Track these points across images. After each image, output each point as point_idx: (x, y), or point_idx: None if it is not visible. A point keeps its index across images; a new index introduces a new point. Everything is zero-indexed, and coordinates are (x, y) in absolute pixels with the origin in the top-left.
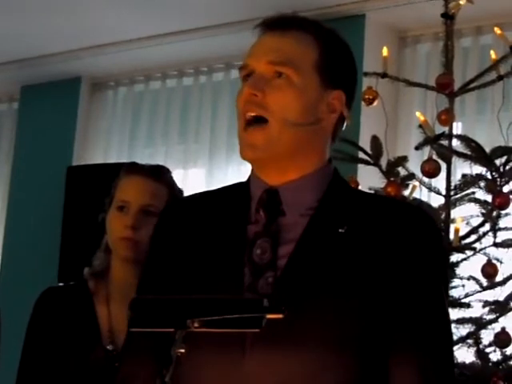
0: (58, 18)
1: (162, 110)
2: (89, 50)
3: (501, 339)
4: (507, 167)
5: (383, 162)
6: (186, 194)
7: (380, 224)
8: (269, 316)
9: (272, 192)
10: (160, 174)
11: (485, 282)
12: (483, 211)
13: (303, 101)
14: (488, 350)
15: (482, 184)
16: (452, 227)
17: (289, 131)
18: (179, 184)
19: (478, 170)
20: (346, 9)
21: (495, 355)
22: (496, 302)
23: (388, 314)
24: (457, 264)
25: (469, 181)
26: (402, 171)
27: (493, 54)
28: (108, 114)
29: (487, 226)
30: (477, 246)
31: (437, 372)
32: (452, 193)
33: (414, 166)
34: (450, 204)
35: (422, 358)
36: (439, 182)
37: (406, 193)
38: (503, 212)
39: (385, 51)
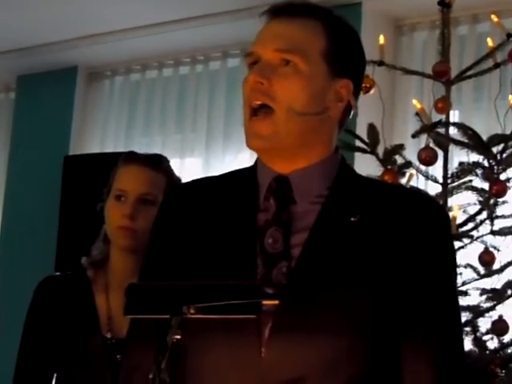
0: (54, 7)
1: (158, 99)
2: (85, 40)
3: (498, 327)
4: (504, 155)
5: (380, 150)
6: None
7: (391, 213)
8: (264, 302)
9: (282, 180)
10: (158, 163)
11: (482, 270)
12: (480, 199)
13: (310, 89)
14: (485, 337)
15: (479, 172)
16: (449, 215)
17: (295, 120)
18: (176, 173)
19: (475, 157)
20: None
21: (492, 343)
22: (493, 290)
23: (401, 304)
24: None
25: (466, 169)
26: (399, 159)
27: (489, 42)
28: (105, 104)
29: (484, 214)
30: (474, 233)
31: (450, 362)
32: (449, 181)
33: (410, 154)
34: (447, 192)
35: (435, 349)
36: (436, 169)
37: (403, 181)
38: (500, 200)
39: (381, 39)
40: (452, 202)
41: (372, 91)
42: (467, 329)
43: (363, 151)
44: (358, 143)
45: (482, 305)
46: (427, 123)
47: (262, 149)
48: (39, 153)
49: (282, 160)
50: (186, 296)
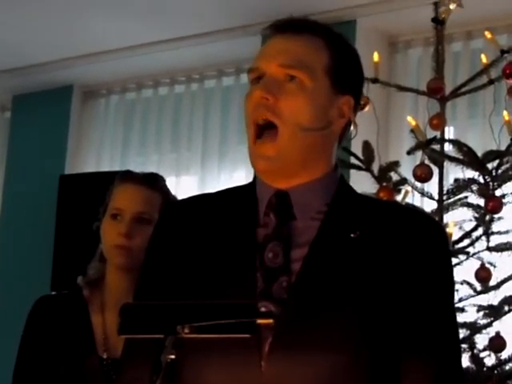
0: (50, 26)
1: (153, 117)
2: (80, 59)
3: (495, 343)
4: (499, 171)
5: (375, 167)
6: None
7: (390, 230)
8: (259, 321)
9: (282, 195)
10: (154, 182)
11: (479, 287)
12: (476, 215)
13: (315, 105)
14: (483, 354)
15: (475, 188)
16: (446, 232)
17: (300, 136)
18: (172, 192)
19: (470, 174)
20: (337, 15)
21: (490, 360)
22: (490, 307)
23: (400, 321)
24: None
25: (461, 185)
26: (394, 176)
27: (483, 58)
28: (100, 123)
29: (480, 231)
30: (470, 250)
31: (448, 380)
32: (444, 197)
33: (406, 170)
34: (442, 208)
35: (435, 367)
36: (431, 186)
37: (399, 198)
38: (496, 216)
39: (376, 56)
40: (448, 218)
41: (367, 108)
42: (464, 346)
43: (358, 168)
44: (353, 160)
45: (479, 321)
46: (422, 140)
47: (268, 170)
48: (35, 172)
49: (284, 177)
50: (180, 315)
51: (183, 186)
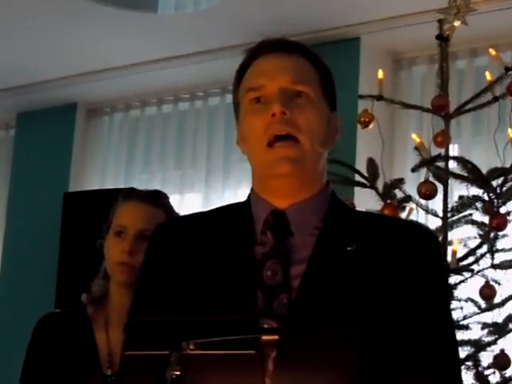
0: (53, 44)
1: (157, 135)
2: (84, 76)
3: (500, 361)
4: (504, 188)
5: (379, 185)
6: None
7: (385, 242)
8: (264, 337)
9: (278, 214)
10: (157, 199)
11: (483, 304)
12: (480, 233)
13: (323, 120)
14: (487, 372)
15: (479, 205)
16: (449, 249)
17: (317, 151)
18: (176, 209)
19: (474, 191)
20: (341, 32)
21: (494, 377)
22: (495, 324)
23: (400, 336)
24: (455, 286)
25: (466, 202)
26: (399, 193)
27: (488, 76)
28: (104, 140)
29: (485, 248)
30: (474, 267)
31: None
32: (449, 214)
33: (410, 188)
34: (447, 226)
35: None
36: (436, 203)
37: (403, 215)
38: (500, 233)
39: (380, 74)
40: (452, 235)
41: (371, 126)
42: (469, 363)
43: (363, 185)
44: (357, 177)
45: (483, 339)
46: (426, 157)
47: (289, 173)
48: (39, 189)
49: (287, 191)
50: (186, 331)
51: (187, 204)
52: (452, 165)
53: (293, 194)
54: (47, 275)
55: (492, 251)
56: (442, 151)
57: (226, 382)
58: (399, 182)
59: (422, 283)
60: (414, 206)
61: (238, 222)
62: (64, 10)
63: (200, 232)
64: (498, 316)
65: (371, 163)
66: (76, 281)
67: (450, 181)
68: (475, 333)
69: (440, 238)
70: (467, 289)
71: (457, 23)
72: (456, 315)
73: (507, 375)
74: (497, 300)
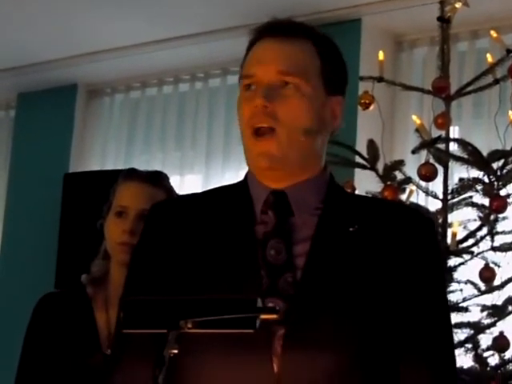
0: (54, 25)
1: (158, 116)
2: (85, 57)
3: (499, 343)
4: (504, 171)
5: (380, 166)
6: None
7: (383, 226)
8: (263, 316)
9: (279, 194)
10: (158, 180)
11: (483, 286)
12: (480, 215)
13: (311, 109)
14: (486, 354)
15: (479, 188)
16: (449, 231)
17: (299, 140)
18: (176, 190)
19: (475, 173)
20: (342, 13)
21: (493, 359)
22: (494, 306)
23: (397, 317)
24: (454, 268)
25: (466, 185)
26: (399, 175)
27: (489, 58)
28: (104, 121)
29: (485, 230)
30: (474, 250)
31: (446, 378)
32: (449, 197)
33: (410, 169)
34: (447, 208)
35: (431, 367)
36: (436, 185)
37: (403, 197)
38: (500, 216)
39: (381, 55)
40: (452, 218)
41: (372, 107)
42: (468, 345)
43: (363, 167)
44: (357, 159)
45: (482, 321)
46: (427, 139)
47: (269, 168)
48: (39, 170)
49: (283, 177)
50: (184, 310)
51: (187, 185)
52: (452, 147)
53: (284, 180)
54: (47, 256)
55: (492, 233)
56: (443, 133)
57: (230, 363)
58: (399, 164)
59: (418, 267)
60: (414, 187)
61: (237, 202)
62: None
63: (197, 212)
64: (497, 298)
65: (371, 145)
66: (76, 261)
67: (450, 163)
68: (474, 315)
69: (440, 220)
70: (467, 271)
71: (458, 5)
72: (455, 297)
73: (506, 357)
74: (496, 282)
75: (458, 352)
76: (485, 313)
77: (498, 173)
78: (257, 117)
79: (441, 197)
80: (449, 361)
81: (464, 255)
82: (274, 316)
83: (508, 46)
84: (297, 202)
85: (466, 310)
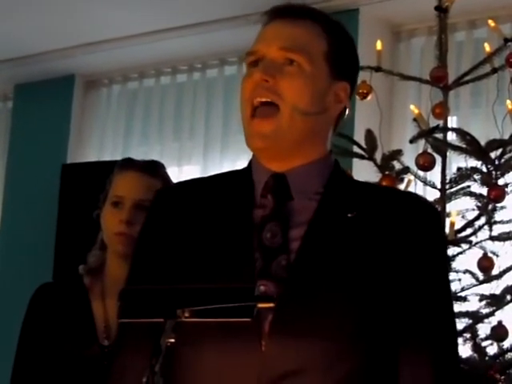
0: (51, 16)
1: (156, 107)
2: (82, 48)
3: (497, 333)
4: (502, 160)
5: (378, 156)
6: None
7: (386, 212)
8: (260, 305)
9: (279, 177)
10: (154, 169)
11: (481, 276)
12: (479, 204)
13: (313, 90)
14: (485, 343)
15: (478, 177)
16: (447, 221)
17: (298, 120)
18: (174, 181)
19: (473, 163)
20: (340, 3)
21: (492, 349)
22: (492, 296)
23: (397, 304)
24: (453, 258)
25: (464, 174)
26: (397, 165)
27: (487, 47)
28: (102, 112)
29: (483, 220)
30: (473, 239)
31: (447, 365)
32: (447, 186)
33: (408, 159)
34: (445, 198)
35: (433, 352)
36: (434, 175)
37: (401, 186)
38: (499, 205)
39: (378, 45)
40: (450, 207)
41: (369, 97)
42: (466, 335)
43: (361, 157)
44: (355, 149)
45: (481, 311)
46: (425, 129)
47: (263, 148)
48: (37, 161)
49: (280, 159)
50: (180, 299)
51: (185, 176)
52: (450, 136)
53: (282, 161)
54: (45, 246)
55: (490, 223)
56: (441, 123)
57: (221, 347)
58: (397, 154)
59: (421, 253)
60: (412, 177)
61: (238, 186)
62: None
63: (199, 196)
64: (495, 288)
65: (369, 134)
66: (74, 252)
67: (448, 152)
68: (473, 304)
69: (438, 210)
70: (465, 260)
71: None
72: (454, 287)
73: (504, 347)
74: (495, 272)
75: None
76: (483, 302)
77: (496, 162)
78: (258, 90)
79: (439, 186)
80: (451, 345)
81: (462, 245)
82: (271, 304)
83: (506, 35)
84: (297, 185)
85: (464, 299)
